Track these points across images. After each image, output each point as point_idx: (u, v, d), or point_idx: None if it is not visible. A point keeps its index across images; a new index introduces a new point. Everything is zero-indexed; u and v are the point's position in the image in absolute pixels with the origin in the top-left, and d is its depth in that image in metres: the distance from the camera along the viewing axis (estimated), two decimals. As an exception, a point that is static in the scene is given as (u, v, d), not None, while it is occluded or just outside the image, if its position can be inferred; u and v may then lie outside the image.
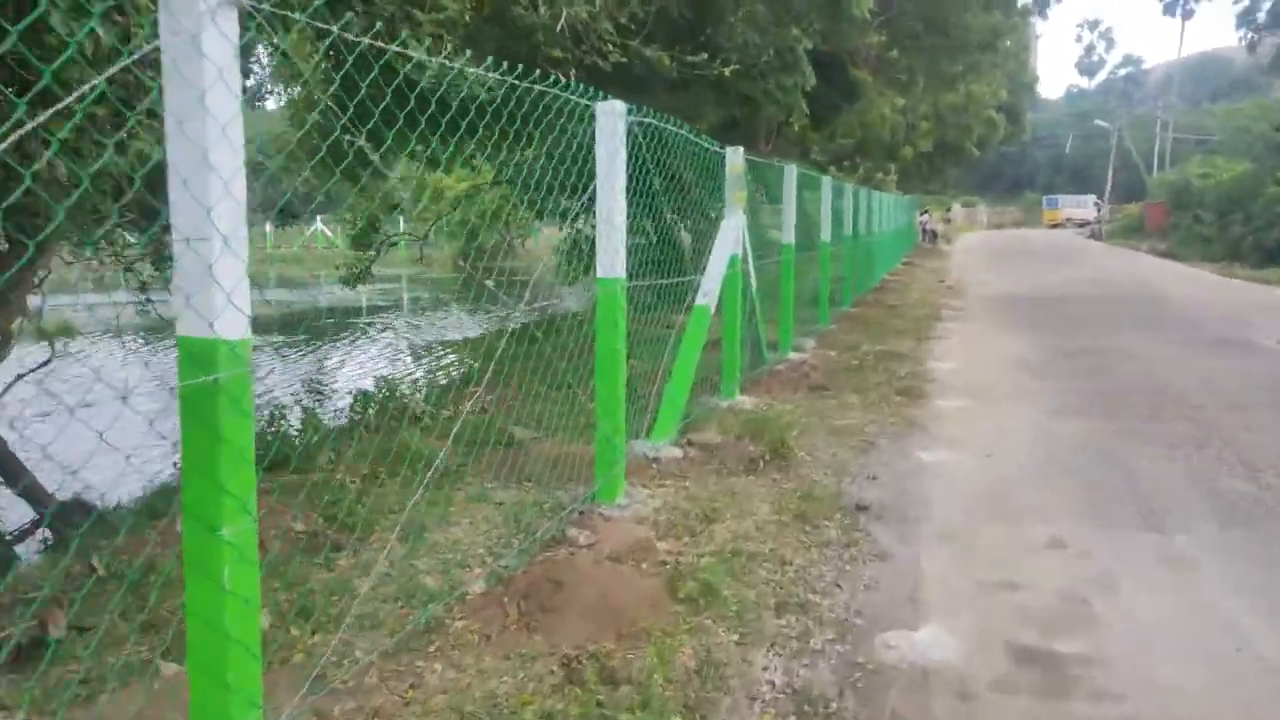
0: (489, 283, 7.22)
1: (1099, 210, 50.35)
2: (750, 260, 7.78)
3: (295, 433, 5.83)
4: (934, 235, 41.52)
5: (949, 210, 52.52)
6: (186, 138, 2.05)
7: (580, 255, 15.57)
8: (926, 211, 43.14)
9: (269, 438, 5.45)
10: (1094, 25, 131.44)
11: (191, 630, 2.16)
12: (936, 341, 11.35)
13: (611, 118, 4.42)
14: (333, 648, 3.05)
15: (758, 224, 10.95)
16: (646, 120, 4.70)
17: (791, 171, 9.72)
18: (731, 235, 6.97)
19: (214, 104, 2.04)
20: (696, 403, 6.95)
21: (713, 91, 10.47)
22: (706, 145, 6.18)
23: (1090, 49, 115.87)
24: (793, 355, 9.60)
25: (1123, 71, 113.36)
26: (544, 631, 3.28)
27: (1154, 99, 72.68)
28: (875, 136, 25.12)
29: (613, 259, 4.51)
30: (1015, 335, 11.95)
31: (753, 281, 7.92)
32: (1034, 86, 44.45)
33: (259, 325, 2.55)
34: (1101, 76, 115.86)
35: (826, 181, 12.14)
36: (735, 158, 7.03)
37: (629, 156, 4.76)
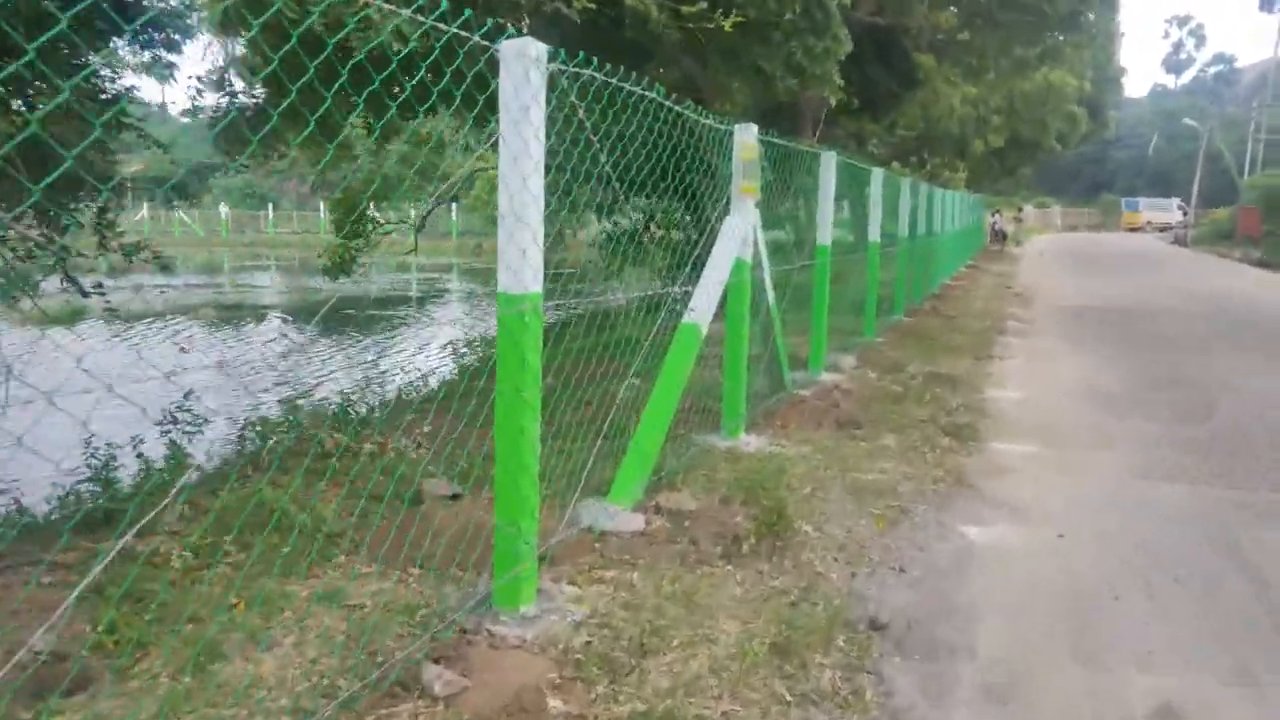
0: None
1: (1184, 214, 47.39)
2: (766, 265, 6.34)
3: (148, 473, 4.58)
4: (1003, 236, 39.19)
5: (1020, 210, 49.86)
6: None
7: (618, 249, 14.30)
8: (997, 211, 40.82)
9: (88, 494, 4.20)
10: (1183, 22, 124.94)
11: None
12: (998, 362, 9.74)
13: (521, 63, 3.04)
14: None
15: (795, 221, 9.48)
16: (580, 70, 3.29)
17: (830, 160, 8.22)
18: (737, 235, 5.54)
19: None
20: (688, 442, 5.56)
21: (724, 61, 8.93)
22: (696, 117, 4.73)
23: (1179, 46, 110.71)
24: (824, 377, 8.12)
25: (1213, 70, 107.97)
26: None
27: (1247, 99, 68.63)
28: (942, 129, 23.30)
29: (518, 265, 3.13)
30: (1092, 356, 10.26)
31: (769, 291, 6.48)
32: (1120, 79, 41.66)
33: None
34: (1190, 75, 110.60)
35: (877, 174, 10.57)
36: (745, 136, 5.58)
37: (563, 121, 3.39)
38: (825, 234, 8.24)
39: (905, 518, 4.70)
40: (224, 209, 54.13)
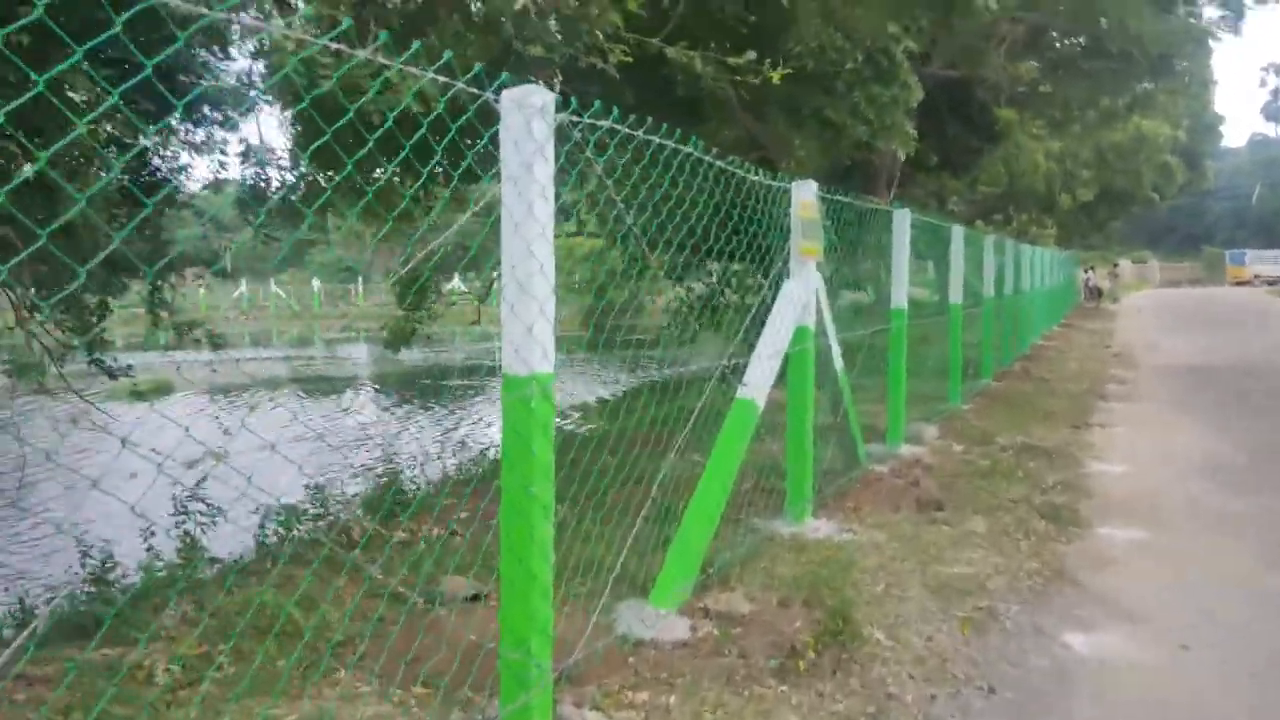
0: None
1: (1294, 266, 44.87)
2: (832, 332, 5.83)
3: (150, 571, 4.25)
4: (1098, 293, 37.61)
5: (1115, 265, 47.92)
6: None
7: (693, 313, 13.92)
8: (1091, 267, 39.29)
9: (78, 596, 3.89)
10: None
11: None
12: (1099, 430, 8.93)
13: (523, 113, 2.67)
14: None
15: (876, 283, 8.94)
16: (596, 122, 2.91)
17: (904, 218, 7.71)
18: (796, 301, 5.07)
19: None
20: (746, 527, 5.03)
21: (785, 114, 8.52)
22: (742, 173, 4.29)
23: (1276, 93, 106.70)
24: (904, 450, 7.48)
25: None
26: None
27: (1355, 143, 65.33)
28: (1027, 185, 22.45)
29: (523, 343, 2.73)
30: (1204, 422, 9.35)
31: (837, 360, 5.96)
32: (1217, 128, 39.99)
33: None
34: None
35: (957, 231, 9.99)
36: (804, 194, 5.14)
37: (572, 181, 3.02)
38: (900, 295, 7.69)
39: (995, 622, 4.07)
40: (316, 283, 55.89)
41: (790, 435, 5.30)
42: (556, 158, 2.79)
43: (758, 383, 4.61)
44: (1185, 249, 73.81)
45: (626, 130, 3.00)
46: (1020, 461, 7.21)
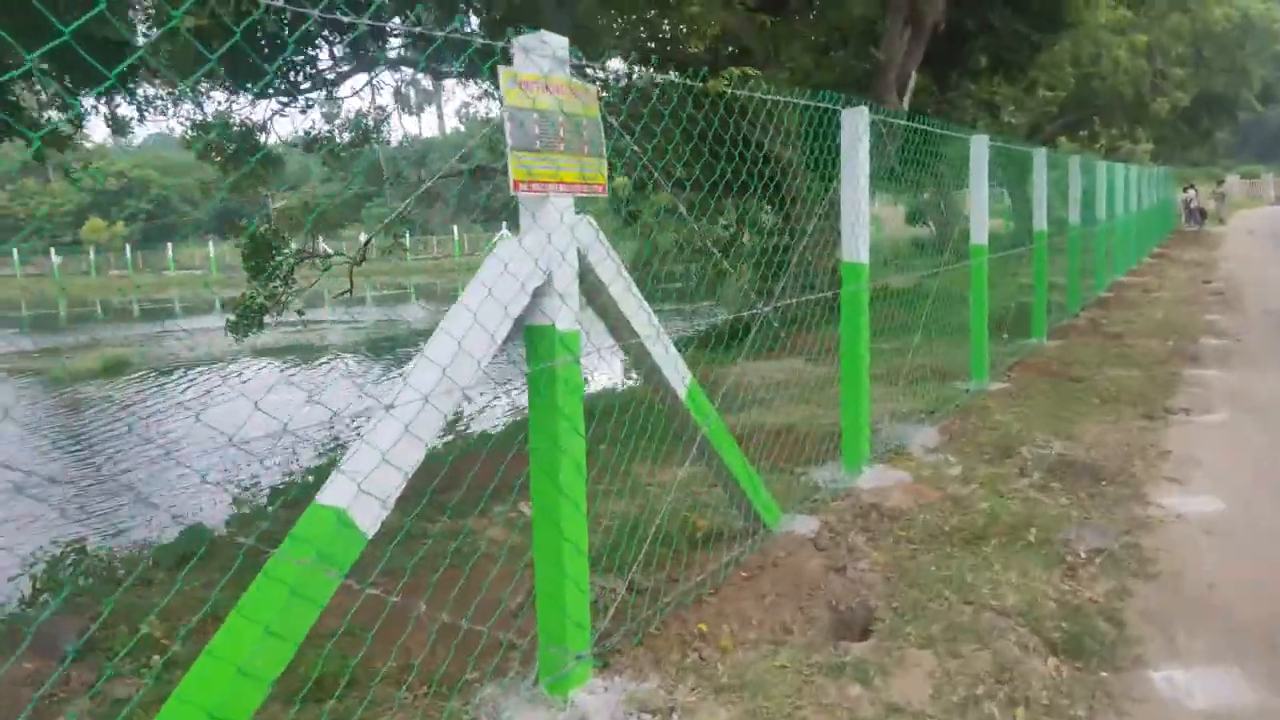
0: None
1: None
2: (641, 320, 3.26)
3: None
4: (1201, 215, 33.18)
5: (1220, 183, 42.62)
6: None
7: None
8: (1191, 186, 34.71)
9: None
10: None
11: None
12: (1181, 424, 6.12)
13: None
14: None
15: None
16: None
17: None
18: (521, 274, 2.52)
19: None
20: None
21: None
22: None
23: None
24: (865, 479, 4.89)
25: None
26: None
27: None
28: (1110, 88, 18.81)
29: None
30: (1346, 403, 6.45)
31: (676, 371, 3.40)
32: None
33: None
34: None
35: (978, 143, 7.14)
36: (531, 65, 2.56)
37: None
38: (853, 250, 5.01)
39: None
40: (361, 237, 54.56)
41: (539, 559, 2.78)
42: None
43: (366, 481, 2.10)
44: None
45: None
46: (1041, 502, 4.55)
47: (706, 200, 8.74)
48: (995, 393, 7.07)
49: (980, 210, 7.23)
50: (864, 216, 4.83)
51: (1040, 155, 9.19)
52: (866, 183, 4.84)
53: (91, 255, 57.55)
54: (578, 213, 2.74)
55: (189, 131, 10.72)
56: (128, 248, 57.97)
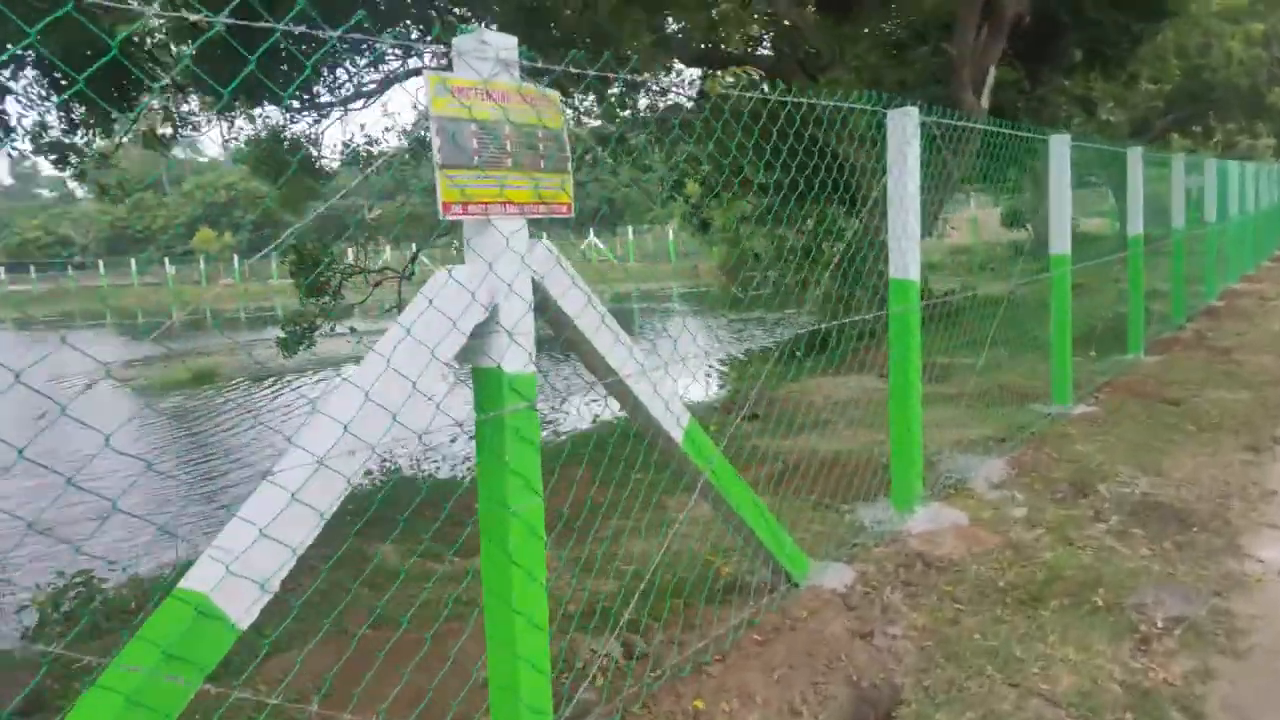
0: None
1: None
2: (619, 355, 2.88)
3: None
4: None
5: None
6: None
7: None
8: (1319, 182, 32.26)
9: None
10: None
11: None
12: (1295, 456, 5.41)
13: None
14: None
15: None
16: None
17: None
18: (455, 310, 2.18)
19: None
20: None
21: None
22: None
23: None
24: (916, 520, 4.39)
25: None
26: None
27: None
28: (1224, 81, 17.50)
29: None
30: None
31: (664, 411, 3.01)
32: None
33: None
34: None
35: (1058, 143, 6.51)
36: (467, 71, 2.22)
37: None
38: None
39: None
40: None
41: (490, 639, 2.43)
42: None
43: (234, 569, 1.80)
44: None
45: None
46: (1118, 552, 3.98)
47: (780, 208, 8.34)
48: (1077, 417, 6.43)
49: (1061, 216, 6.62)
50: (914, 228, 4.34)
51: (1135, 154, 8.45)
52: (917, 190, 4.35)
53: (202, 264, 60.08)
54: (532, 237, 2.39)
55: (240, 145, 10.89)
56: (235, 257, 60.33)
